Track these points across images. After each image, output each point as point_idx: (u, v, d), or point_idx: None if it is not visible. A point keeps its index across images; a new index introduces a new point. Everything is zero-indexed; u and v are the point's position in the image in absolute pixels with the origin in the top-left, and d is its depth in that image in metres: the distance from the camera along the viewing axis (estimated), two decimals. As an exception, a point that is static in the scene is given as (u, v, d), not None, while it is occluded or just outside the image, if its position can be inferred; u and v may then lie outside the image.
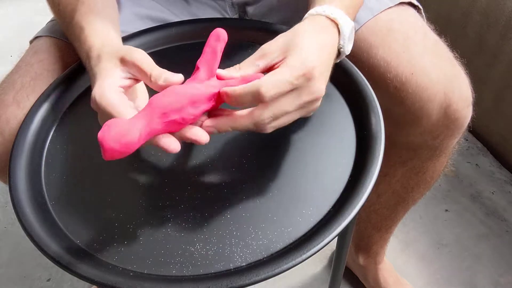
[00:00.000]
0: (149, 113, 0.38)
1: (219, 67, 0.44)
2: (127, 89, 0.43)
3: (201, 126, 0.41)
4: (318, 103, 0.43)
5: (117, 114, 0.40)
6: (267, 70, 0.43)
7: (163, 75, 0.41)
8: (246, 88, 0.40)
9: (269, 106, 0.40)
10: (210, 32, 0.60)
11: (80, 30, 0.49)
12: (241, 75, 0.42)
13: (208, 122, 0.41)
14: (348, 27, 0.46)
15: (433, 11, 1.22)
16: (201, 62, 0.43)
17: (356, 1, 0.51)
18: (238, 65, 0.43)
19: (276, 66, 0.42)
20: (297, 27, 0.45)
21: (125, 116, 0.39)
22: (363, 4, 0.59)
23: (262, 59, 0.42)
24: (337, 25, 0.45)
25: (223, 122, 0.41)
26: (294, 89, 0.40)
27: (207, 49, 0.43)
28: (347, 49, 0.47)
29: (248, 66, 0.42)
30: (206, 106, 0.40)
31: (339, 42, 0.46)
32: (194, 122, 0.40)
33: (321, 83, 0.42)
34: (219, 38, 0.43)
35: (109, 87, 0.41)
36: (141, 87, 0.46)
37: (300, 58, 0.41)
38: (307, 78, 0.40)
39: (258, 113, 0.40)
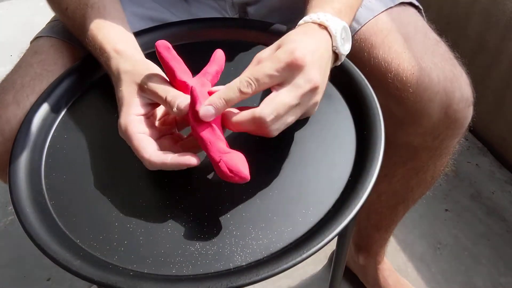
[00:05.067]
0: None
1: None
2: (150, 113, 0.45)
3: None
4: (318, 96, 0.42)
5: (138, 145, 0.42)
6: None
7: (176, 101, 0.42)
8: (247, 116, 0.40)
9: (269, 102, 0.40)
10: (210, 32, 0.60)
11: (93, 38, 0.51)
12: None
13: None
14: (337, 27, 0.45)
15: (434, 11, 1.22)
16: (182, 76, 0.44)
17: (351, 2, 0.51)
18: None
19: None
20: (287, 34, 0.45)
21: (145, 147, 0.41)
22: (363, 5, 0.59)
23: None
24: (326, 27, 0.45)
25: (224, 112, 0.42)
26: (285, 81, 0.41)
27: (173, 64, 0.44)
28: (344, 49, 0.47)
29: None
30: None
31: (332, 44, 0.46)
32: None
33: (315, 71, 0.41)
34: (168, 48, 0.45)
35: (133, 119, 0.43)
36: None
37: (285, 50, 0.41)
38: (295, 67, 0.41)
39: (259, 110, 0.40)
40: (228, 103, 0.41)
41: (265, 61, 0.41)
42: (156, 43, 0.44)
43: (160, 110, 0.47)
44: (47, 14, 0.64)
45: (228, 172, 0.39)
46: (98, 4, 0.53)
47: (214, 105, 0.40)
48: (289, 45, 0.42)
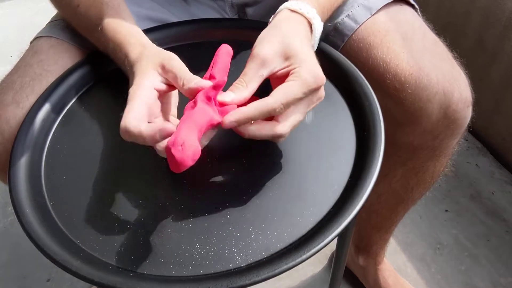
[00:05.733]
0: (192, 126, 0.40)
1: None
2: (162, 94, 0.45)
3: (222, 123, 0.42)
4: None
5: (129, 106, 0.40)
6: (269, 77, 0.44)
7: (194, 80, 0.42)
8: (260, 109, 0.41)
9: (287, 119, 0.42)
10: (210, 32, 0.60)
11: (114, 33, 0.51)
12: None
13: (231, 117, 0.41)
14: (319, 28, 0.48)
15: (433, 11, 1.22)
16: (217, 73, 0.44)
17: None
18: (242, 79, 0.43)
19: (279, 73, 0.44)
20: (279, 24, 0.46)
21: (133, 108, 0.40)
22: (361, 3, 0.59)
23: (264, 68, 0.43)
24: (311, 25, 0.47)
25: (244, 125, 0.42)
26: (305, 97, 0.43)
27: (219, 62, 0.45)
28: (315, 47, 0.50)
29: (253, 78, 0.43)
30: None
31: (310, 41, 0.48)
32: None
33: (322, 87, 0.44)
34: (228, 52, 0.46)
35: (145, 86, 0.43)
36: (175, 99, 0.49)
37: (311, 72, 0.42)
38: (317, 89, 0.43)
39: (280, 128, 0.42)
40: (253, 122, 0.42)
41: (292, 84, 0.42)
42: (223, 44, 0.46)
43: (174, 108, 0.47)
44: (47, 14, 0.64)
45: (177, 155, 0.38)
46: (113, 3, 0.53)
47: (240, 123, 0.41)
48: (307, 61, 0.43)
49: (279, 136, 0.42)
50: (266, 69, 0.43)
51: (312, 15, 0.47)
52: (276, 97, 0.41)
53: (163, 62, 0.44)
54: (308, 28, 0.47)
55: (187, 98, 0.44)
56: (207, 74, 0.46)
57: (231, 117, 0.41)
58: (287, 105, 0.41)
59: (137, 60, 0.46)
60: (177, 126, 0.40)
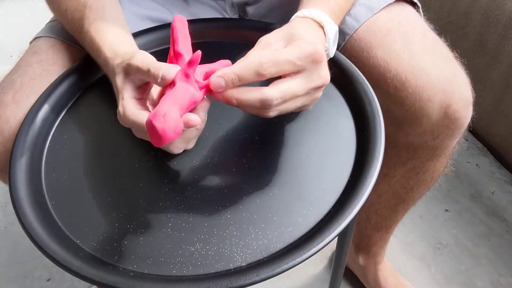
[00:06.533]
0: (173, 103, 0.39)
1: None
2: (146, 94, 0.45)
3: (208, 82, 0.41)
4: (321, 92, 0.43)
5: (138, 120, 0.41)
6: None
7: (160, 73, 0.41)
8: (247, 64, 0.39)
9: (279, 86, 0.40)
10: (210, 32, 0.60)
11: (91, 40, 0.51)
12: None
13: (218, 73, 0.40)
14: (332, 30, 0.47)
15: (434, 11, 1.22)
16: (181, 48, 0.44)
17: (343, 3, 0.52)
18: (243, 58, 0.42)
19: None
20: (290, 24, 0.46)
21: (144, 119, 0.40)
22: (362, 3, 0.60)
23: (265, 50, 0.42)
24: (322, 28, 0.46)
25: (230, 89, 0.41)
26: (303, 71, 0.41)
27: (179, 36, 0.44)
28: (332, 51, 0.48)
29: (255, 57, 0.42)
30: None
31: (324, 44, 0.47)
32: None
33: (327, 69, 0.42)
34: (183, 22, 0.45)
35: (129, 104, 0.43)
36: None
37: (308, 42, 0.41)
38: (315, 60, 0.41)
39: (268, 91, 0.40)
40: (241, 82, 0.40)
41: (288, 48, 0.41)
42: (174, 16, 0.45)
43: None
44: (47, 14, 0.64)
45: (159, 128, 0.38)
46: (96, 5, 0.53)
47: (226, 79, 0.40)
48: (307, 37, 0.42)
49: (267, 102, 0.39)
50: (268, 50, 0.42)
51: (323, 19, 0.46)
52: (265, 55, 0.40)
53: (125, 67, 0.44)
54: (320, 31, 0.46)
55: None
56: (171, 52, 0.45)
57: (218, 72, 0.40)
58: (276, 65, 0.39)
59: (113, 73, 0.46)
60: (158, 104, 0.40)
